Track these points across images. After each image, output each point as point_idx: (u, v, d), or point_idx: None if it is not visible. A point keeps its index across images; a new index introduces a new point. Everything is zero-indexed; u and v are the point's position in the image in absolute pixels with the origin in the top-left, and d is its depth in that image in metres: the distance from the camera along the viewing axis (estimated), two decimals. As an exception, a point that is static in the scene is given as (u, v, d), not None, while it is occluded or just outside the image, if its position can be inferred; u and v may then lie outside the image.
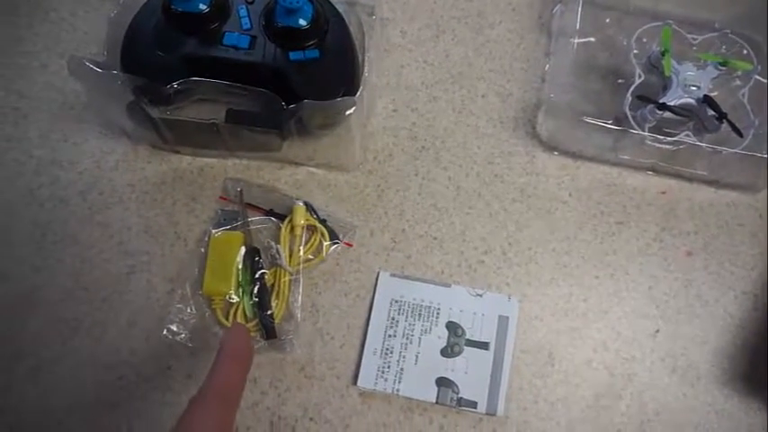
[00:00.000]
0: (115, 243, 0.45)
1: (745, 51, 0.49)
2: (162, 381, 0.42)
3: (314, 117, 0.43)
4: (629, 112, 0.47)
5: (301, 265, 0.44)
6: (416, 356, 0.44)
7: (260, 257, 0.44)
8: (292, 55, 0.43)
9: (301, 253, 0.44)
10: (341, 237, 0.46)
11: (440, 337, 0.44)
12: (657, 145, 0.46)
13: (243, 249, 0.44)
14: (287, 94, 0.42)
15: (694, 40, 0.49)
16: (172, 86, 0.41)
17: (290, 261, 0.44)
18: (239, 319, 0.43)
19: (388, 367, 0.43)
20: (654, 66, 0.49)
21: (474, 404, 0.43)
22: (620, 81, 0.50)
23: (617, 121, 0.47)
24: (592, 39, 0.51)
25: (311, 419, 0.42)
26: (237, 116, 0.42)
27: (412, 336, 0.44)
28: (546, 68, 0.52)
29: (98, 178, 0.47)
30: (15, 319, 0.43)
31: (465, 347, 0.44)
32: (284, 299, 0.43)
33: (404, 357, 0.44)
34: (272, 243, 0.44)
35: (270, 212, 0.46)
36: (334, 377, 0.43)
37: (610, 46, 0.51)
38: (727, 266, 0.48)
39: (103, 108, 0.47)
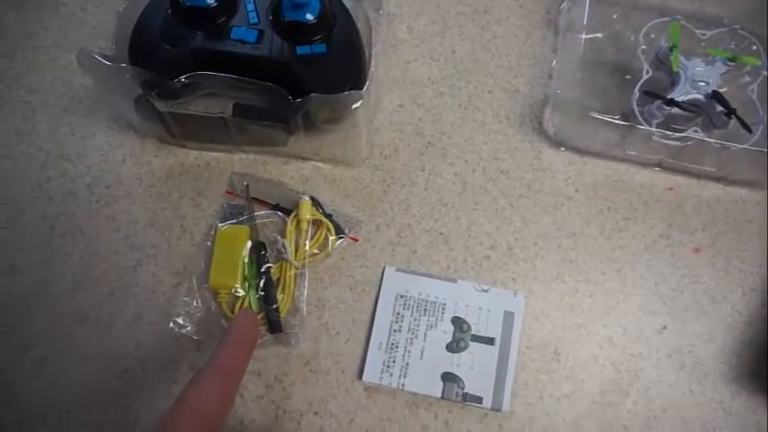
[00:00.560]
0: (122, 236, 0.46)
1: (754, 47, 0.49)
2: (168, 373, 0.42)
3: (320, 111, 0.43)
4: (636, 108, 0.47)
5: (307, 260, 0.44)
6: (422, 351, 0.44)
7: (266, 251, 0.44)
8: (299, 49, 0.43)
9: (307, 247, 0.44)
10: (347, 231, 0.46)
11: (445, 332, 0.44)
12: (665, 141, 0.46)
13: (249, 243, 0.44)
14: (294, 88, 0.42)
15: (703, 35, 0.49)
16: (179, 80, 0.41)
17: (295, 255, 0.44)
18: (245, 313, 0.43)
19: (394, 362, 0.43)
20: (662, 61, 0.48)
21: (479, 399, 0.42)
22: (627, 77, 0.50)
23: (624, 117, 0.47)
24: (599, 34, 0.51)
25: (316, 413, 0.42)
26: (244, 110, 0.42)
27: (417, 331, 0.44)
28: (553, 64, 0.52)
29: (105, 172, 0.47)
30: (23, 311, 0.43)
31: (470, 343, 0.44)
32: (290, 293, 0.43)
33: (409, 352, 0.43)
34: (278, 237, 0.44)
35: (276, 207, 0.46)
36: (339, 371, 0.43)
37: (617, 42, 0.51)
38: (735, 263, 0.48)
39: (111, 102, 0.47)
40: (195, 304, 0.43)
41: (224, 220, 0.45)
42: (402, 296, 0.45)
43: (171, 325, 0.42)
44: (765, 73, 0.48)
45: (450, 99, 0.51)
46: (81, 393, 0.41)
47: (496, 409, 0.42)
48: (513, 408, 0.43)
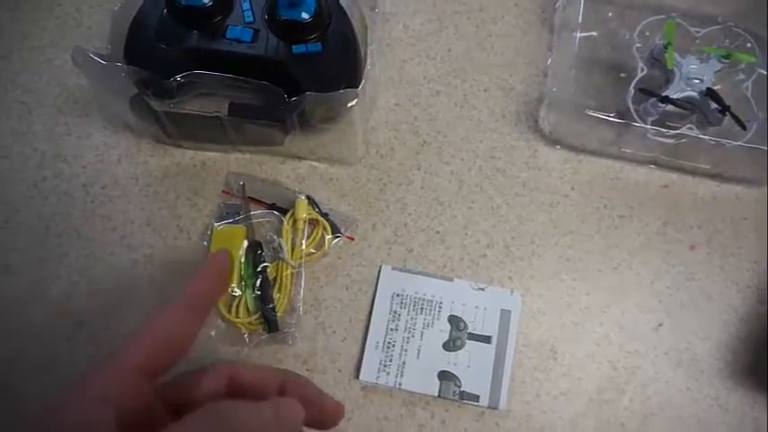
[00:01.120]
0: (118, 236, 0.46)
1: (748, 45, 0.49)
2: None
3: (316, 110, 0.43)
4: (631, 106, 0.47)
5: (303, 259, 0.44)
6: (418, 350, 0.44)
7: (262, 251, 0.44)
8: (295, 48, 0.43)
9: (303, 246, 0.44)
10: (343, 230, 0.46)
11: (442, 330, 0.44)
12: (660, 138, 0.46)
13: (245, 243, 0.44)
14: (289, 87, 0.42)
15: (697, 33, 0.49)
16: (175, 79, 0.41)
17: (292, 255, 0.44)
18: (242, 313, 0.43)
19: (390, 361, 0.43)
20: (656, 59, 0.48)
21: (476, 398, 0.43)
22: (622, 75, 0.50)
23: (619, 115, 0.47)
24: (594, 33, 0.51)
25: (313, 412, 0.42)
26: (240, 109, 0.42)
27: (414, 329, 0.44)
28: (548, 62, 0.52)
29: (101, 172, 0.47)
30: (20, 313, 0.43)
31: (467, 341, 0.44)
32: (286, 292, 0.43)
33: (406, 351, 0.43)
34: (275, 237, 0.44)
35: (272, 206, 0.46)
36: (336, 370, 0.43)
37: (612, 40, 0.51)
38: (731, 260, 0.48)
39: (107, 102, 0.47)
40: (192, 303, 0.43)
41: (220, 219, 0.45)
42: (398, 295, 0.45)
43: (167, 325, 0.42)
44: (759, 70, 0.48)
45: (445, 98, 0.51)
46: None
47: (493, 407, 0.42)
48: (510, 406, 0.43)
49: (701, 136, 0.46)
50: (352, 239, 0.46)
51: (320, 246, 0.45)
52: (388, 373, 0.43)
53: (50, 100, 0.49)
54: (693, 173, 0.49)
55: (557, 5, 0.54)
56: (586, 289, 0.46)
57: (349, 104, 0.40)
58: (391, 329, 0.44)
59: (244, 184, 0.46)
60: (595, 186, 0.49)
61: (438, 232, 0.47)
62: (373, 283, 0.45)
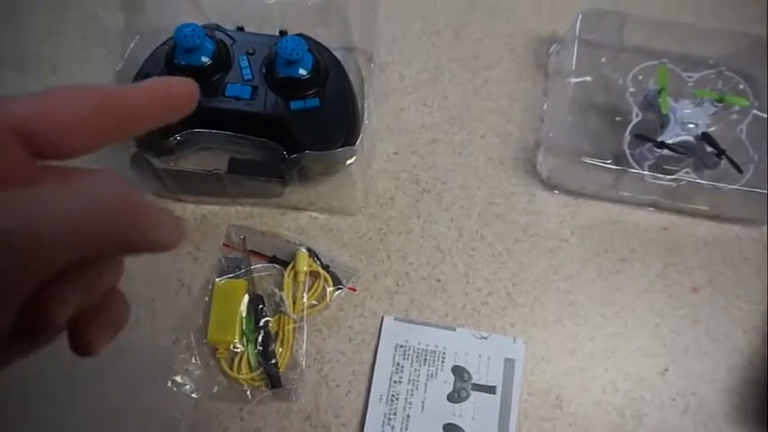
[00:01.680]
0: (119, 292, 0.45)
1: (741, 86, 0.50)
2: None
3: (315, 165, 0.43)
4: (627, 151, 0.47)
5: (305, 312, 0.44)
6: (423, 403, 0.43)
7: (264, 305, 0.44)
8: (293, 104, 0.44)
9: (305, 299, 0.44)
10: (344, 282, 0.46)
11: (446, 381, 0.44)
12: (658, 182, 0.47)
13: (246, 297, 0.44)
14: (288, 142, 0.43)
15: (690, 77, 0.50)
16: (175, 138, 0.42)
17: (293, 308, 0.44)
18: (243, 369, 0.43)
19: (395, 414, 0.43)
20: (651, 104, 0.49)
21: (482, 450, 0.42)
22: (618, 119, 0.50)
23: (616, 160, 0.48)
24: (588, 78, 0.52)
25: (318, 470, 0.41)
26: (239, 166, 0.43)
27: (418, 381, 0.44)
28: (544, 108, 0.52)
29: (103, 228, 0.47)
30: (14, 369, 0.43)
31: (472, 392, 0.44)
32: (288, 347, 0.43)
33: (410, 404, 0.43)
34: (276, 290, 0.44)
35: (273, 259, 0.46)
36: (340, 425, 0.43)
37: (606, 85, 0.52)
38: (735, 302, 0.48)
39: (107, 158, 0.47)
40: (194, 361, 0.43)
41: (221, 273, 0.45)
42: (401, 346, 0.45)
43: (169, 384, 0.42)
44: (754, 111, 0.49)
45: (443, 145, 0.51)
46: (79, 456, 0.41)
47: (500, 460, 0.42)
48: (516, 458, 0.42)
49: (698, 180, 0.46)
50: (354, 290, 0.46)
51: (322, 298, 0.45)
52: (392, 427, 0.42)
53: (52, 157, 0.49)
54: (692, 214, 0.49)
55: (550, 51, 0.54)
56: (590, 334, 0.46)
57: (347, 162, 0.40)
58: (395, 382, 0.44)
59: (244, 237, 0.46)
60: (595, 230, 0.49)
61: (439, 281, 0.47)
62: (376, 335, 0.45)
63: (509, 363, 0.45)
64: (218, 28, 0.46)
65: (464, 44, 0.55)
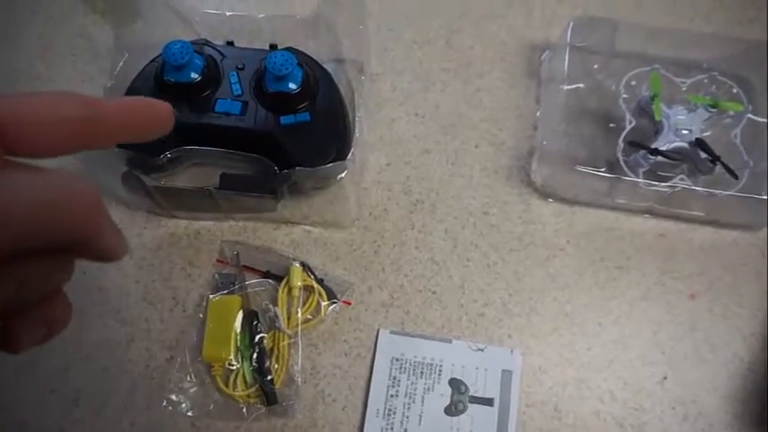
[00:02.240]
0: (113, 310, 0.45)
1: (734, 91, 0.50)
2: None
3: (307, 180, 0.43)
4: (621, 159, 0.47)
5: (300, 327, 0.44)
6: (420, 416, 0.43)
7: (258, 321, 0.44)
8: (283, 119, 0.43)
9: (299, 315, 0.44)
10: (339, 295, 0.46)
11: (443, 395, 0.44)
12: (653, 188, 0.46)
13: (241, 313, 0.44)
14: (279, 157, 0.42)
15: (683, 83, 0.50)
16: (165, 155, 0.41)
17: (288, 323, 0.44)
18: (239, 386, 0.42)
19: (392, 429, 0.42)
20: (644, 110, 0.49)
21: (481, 464, 0.42)
22: (611, 125, 0.50)
23: (610, 167, 0.47)
24: (581, 84, 0.52)
25: (315, 487, 0.41)
26: (231, 182, 0.43)
27: (414, 395, 0.43)
28: (537, 115, 0.52)
29: (96, 246, 0.47)
30: (15, 391, 0.43)
31: (469, 405, 0.43)
32: (284, 363, 0.43)
33: (407, 418, 0.43)
34: (270, 306, 0.44)
35: (267, 274, 0.46)
36: (337, 441, 0.42)
37: (599, 91, 0.51)
38: (733, 308, 0.47)
39: (99, 177, 0.47)
40: (189, 379, 0.43)
41: (215, 290, 0.45)
42: (398, 359, 0.44)
43: (164, 403, 0.42)
44: (749, 116, 0.49)
45: (436, 155, 0.51)
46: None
47: (499, 473, 0.42)
48: (515, 471, 0.42)
49: (693, 186, 0.46)
50: (349, 304, 0.46)
51: (317, 312, 0.45)
52: (389, 442, 0.42)
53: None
54: (689, 221, 0.49)
55: (542, 58, 0.54)
56: (587, 344, 0.46)
57: (339, 176, 0.40)
58: (392, 396, 0.43)
59: (238, 253, 0.46)
60: (591, 238, 0.49)
61: (434, 292, 0.47)
62: (372, 348, 0.45)
63: (506, 374, 0.44)
64: (207, 43, 0.46)
65: (456, 53, 0.55)
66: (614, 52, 0.52)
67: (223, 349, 0.43)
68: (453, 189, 0.50)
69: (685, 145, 0.46)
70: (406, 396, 0.43)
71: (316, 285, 0.45)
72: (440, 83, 0.54)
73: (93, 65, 0.53)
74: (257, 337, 0.43)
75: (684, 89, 0.50)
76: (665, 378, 0.45)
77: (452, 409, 0.43)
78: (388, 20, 0.55)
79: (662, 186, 0.46)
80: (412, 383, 0.44)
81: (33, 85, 0.52)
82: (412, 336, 0.45)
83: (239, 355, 0.43)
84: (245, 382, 0.43)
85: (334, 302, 0.45)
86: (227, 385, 0.42)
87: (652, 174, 0.47)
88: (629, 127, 0.48)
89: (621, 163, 0.47)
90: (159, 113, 0.23)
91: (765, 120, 0.49)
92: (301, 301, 0.45)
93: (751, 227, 0.49)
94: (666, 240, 0.49)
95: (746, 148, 0.47)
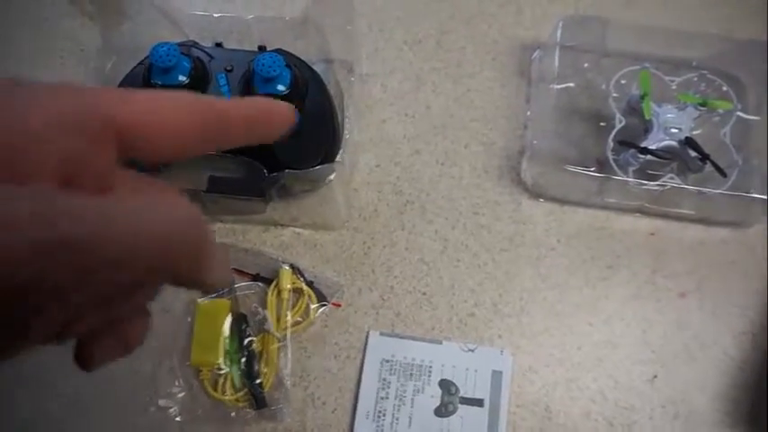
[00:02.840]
0: (103, 314, 0.45)
1: (724, 89, 0.49)
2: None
3: (296, 182, 0.43)
4: (611, 158, 0.47)
5: (289, 330, 0.44)
6: (410, 418, 0.43)
7: (247, 324, 0.44)
8: (271, 121, 0.43)
9: (289, 317, 0.44)
10: (329, 297, 0.45)
11: (433, 396, 0.44)
12: (643, 188, 0.46)
13: (230, 317, 0.44)
14: (268, 160, 0.42)
15: (672, 81, 0.49)
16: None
17: (277, 326, 0.44)
18: (228, 391, 0.42)
19: (382, 431, 0.42)
20: (634, 108, 0.49)
21: (471, 465, 0.42)
22: (602, 124, 0.50)
23: (600, 166, 0.47)
24: (571, 83, 0.51)
25: (305, 489, 0.41)
26: (219, 185, 0.42)
27: (404, 396, 0.43)
28: (528, 115, 0.52)
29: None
30: (5, 400, 0.43)
31: (459, 405, 0.43)
32: (273, 366, 0.43)
33: (397, 420, 0.43)
34: (260, 309, 0.44)
35: (256, 277, 0.46)
36: (327, 443, 0.42)
37: (589, 90, 0.51)
38: (723, 306, 0.47)
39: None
40: (177, 384, 0.43)
41: (204, 293, 0.45)
42: (388, 361, 0.44)
43: (153, 408, 0.41)
44: (738, 114, 0.49)
45: (427, 156, 0.51)
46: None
47: (489, 474, 0.42)
48: (506, 472, 0.42)
49: (683, 185, 0.46)
50: (339, 306, 0.46)
51: (306, 315, 0.45)
52: (380, 444, 0.42)
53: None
54: (679, 219, 0.49)
55: (533, 57, 0.54)
56: (578, 343, 0.46)
57: (328, 178, 0.40)
58: (381, 398, 0.43)
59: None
60: (581, 237, 0.49)
61: (425, 294, 0.47)
62: (362, 350, 0.45)
63: (496, 375, 0.44)
64: (195, 45, 0.46)
65: (446, 53, 0.55)
66: (605, 51, 0.52)
67: (211, 353, 0.43)
68: (443, 189, 0.50)
69: (675, 144, 0.46)
70: (396, 398, 0.43)
71: (305, 288, 0.45)
72: (430, 83, 0.53)
73: (80, 67, 0.52)
74: (246, 341, 0.43)
75: (674, 88, 0.50)
76: (656, 377, 0.45)
77: (443, 411, 0.43)
78: (379, 20, 0.55)
79: (652, 185, 0.46)
80: (402, 385, 0.44)
81: (21, 88, 0.52)
82: (402, 337, 0.45)
83: (228, 359, 0.43)
84: (234, 386, 0.43)
85: (324, 305, 0.45)
86: (215, 390, 0.42)
87: (642, 173, 0.47)
88: (618, 126, 0.48)
89: (611, 162, 0.47)
90: (282, 115, 0.22)
91: (755, 118, 0.49)
92: (291, 303, 0.45)
93: (740, 224, 0.49)
94: (657, 239, 0.49)
95: (736, 147, 0.47)
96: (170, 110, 0.18)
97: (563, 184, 0.49)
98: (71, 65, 0.53)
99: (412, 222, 0.49)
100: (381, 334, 0.45)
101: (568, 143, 0.50)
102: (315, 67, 0.46)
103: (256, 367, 0.43)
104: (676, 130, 0.46)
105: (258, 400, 0.42)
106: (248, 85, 0.44)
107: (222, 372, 0.43)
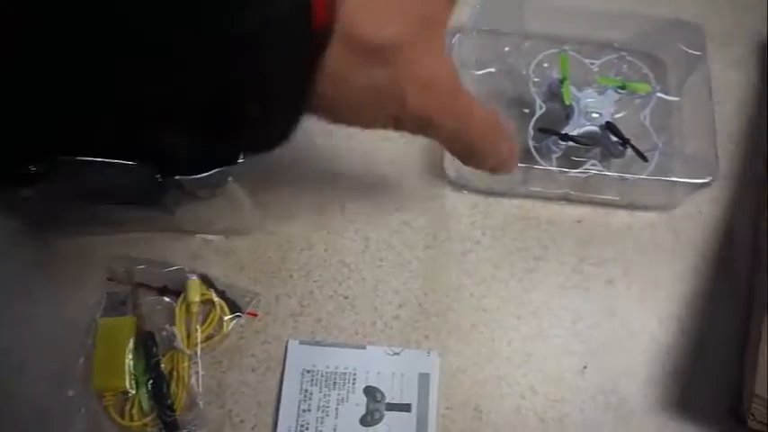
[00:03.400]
0: (-5, 342, 0.41)
1: (645, 71, 0.49)
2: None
3: (198, 187, 0.40)
4: (532, 146, 0.45)
5: (199, 346, 0.41)
6: (334, 430, 0.41)
7: (154, 342, 0.41)
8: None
9: (199, 332, 0.41)
10: (243, 307, 0.43)
11: (358, 404, 0.41)
12: (566, 175, 0.45)
13: (134, 336, 0.41)
14: (164, 163, 0.39)
15: (593, 64, 0.48)
16: (29, 168, 0.37)
17: (187, 342, 0.41)
18: (136, 416, 0.39)
19: (305, 446, 0.40)
20: (555, 94, 0.47)
21: (399, 474, 0.40)
22: (525, 111, 0.48)
23: (523, 154, 0.46)
24: (492, 69, 0.50)
25: None
26: (103, 195, 0.38)
27: (328, 408, 0.41)
28: (449, 103, 0.50)
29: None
30: None
31: (386, 413, 0.41)
32: (184, 386, 0.40)
33: (321, 433, 0.41)
34: (167, 325, 0.41)
35: (163, 290, 0.42)
36: (247, 463, 0.40)
37: (511, 75, 0.50)
38: (649, 291, 0.47)
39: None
40: (81, 411, 0.39)
41: (106, 312, 0.41)
42: (309, 371, 0.42)
43: (49, 442, 0.38)
44: (658, 95, 0.48)
45: (344, 151, 0.48)
46: None
47: (418, 482, 0.40)
48: (435, 478, 0.41)
49: (604, 171, 0.44)
50: (255, 315, 0.43)
51: (219, 328, 0.42)
52: (303, 460, 0.40)
53: None
54: (605, 205, 0.48)
55: (453, 42, 0.52)
56: (506, 338, 0.45)
57: (228, 179, 0.37)
58: (304, 410, 0.41)
59: (130, 269, 0.42)
60: (507, 229, 0.47)
61: (347, 297, 0.44)
62: (281, 361, 0.42)
63: (423, 377, 0.43)
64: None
65: (363, 39, 0.52)
66: (524, 34, 0.50)
67: (115, 376, 0.39)
68: (363, 186, 0.47)
69: (596, 129, 0.45)
70: (318, 410, 0.41)
71: (216, 299, 0.42)
72: (347, 72, 0.51)
73: None
74: (153, 361, 0.40)
75: (596, 70, 0.49)
76: (585, 367, 0.45)
77: (368, 419, 0.41)
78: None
79: (574, 172, 0.45)
80: (325, 396, 0.42)
81: None
82: (323, 345, 0.43)
83: (134, 382, 0.40)
84: (143, 410, 0.39)
85: (239, 315, 0.42)
86: (122, 416, 0.39)
87: (566, 159, 0.46)
88: (539, 112, 0.46)
89: (532, 151, 0.45)
90: (507, 132, 0.36)
91: (675, 99, 0.48)
92: (201, 317, 0.42)
93: (664, 208, 0.48)
94: (583, 226, 0.48)
95: (656, 129, 0.46)
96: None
97: (486, 176, 0.46)
98: None
99: (330, 222, 0.46)
100: (301, 343, 0.43)
101: (491, 131, 0.48)
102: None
103: (166, 389, 0.39)
104: (597, 115, 0.45)
105: (168, 424, 0.39)
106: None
107: (129, 396, 0.39)
